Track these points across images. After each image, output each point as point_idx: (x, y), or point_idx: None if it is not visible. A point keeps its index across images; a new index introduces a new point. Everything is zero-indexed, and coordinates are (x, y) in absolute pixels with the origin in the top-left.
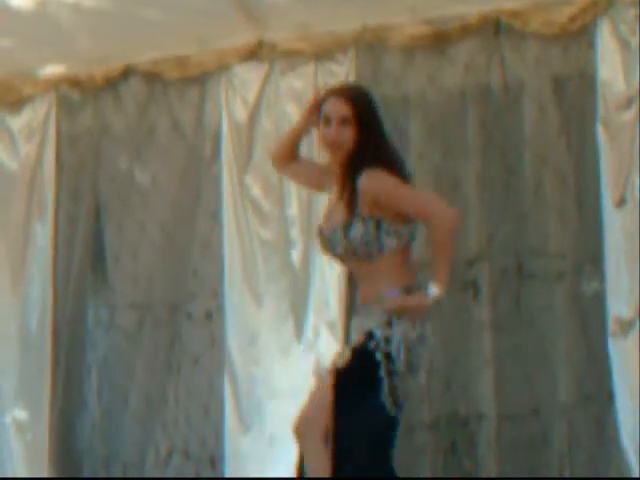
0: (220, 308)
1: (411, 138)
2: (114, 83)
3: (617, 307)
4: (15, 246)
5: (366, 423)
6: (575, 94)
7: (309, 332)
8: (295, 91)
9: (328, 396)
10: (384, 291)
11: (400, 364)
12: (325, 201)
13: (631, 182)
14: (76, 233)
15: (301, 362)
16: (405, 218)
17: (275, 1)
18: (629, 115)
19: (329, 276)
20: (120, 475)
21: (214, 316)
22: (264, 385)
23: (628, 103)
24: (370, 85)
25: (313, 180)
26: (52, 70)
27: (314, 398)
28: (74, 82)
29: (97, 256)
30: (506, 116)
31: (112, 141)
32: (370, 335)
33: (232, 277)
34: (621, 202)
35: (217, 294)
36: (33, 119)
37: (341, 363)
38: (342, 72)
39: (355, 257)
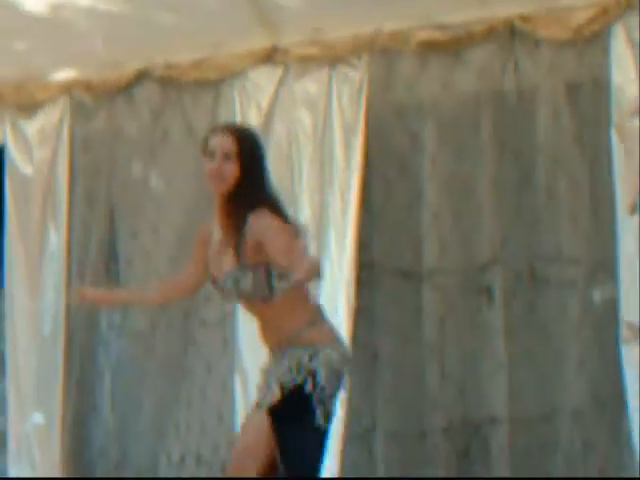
0: (233, 312)
1: (425, 143)
2: (128, 87)
3: (630, 313)
4: (30, 250)
5: (312, 454)
6: (589, 99)
7: None
8: (309, 96)
9: (265, 435)
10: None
11: (327, 389)
12: (336, 205)
13: None
14: (90, 237)
15: None
16: None
17: (289, 6)
18: None
19: (338, 281)
20: None
21: (227, 320)
22: None
23: None
24: (384, 90)
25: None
26: (66, 74)
27: (248, 438)
28: (88, 86)
29: (111, 260)
30: (520, 121)
31: (126, 145)
32: (299, 369)
33: None
34: (635, 208)
35: None
36: (47, 123)
37: (273, 402)
38: (356, 77)
39: (253, 302)
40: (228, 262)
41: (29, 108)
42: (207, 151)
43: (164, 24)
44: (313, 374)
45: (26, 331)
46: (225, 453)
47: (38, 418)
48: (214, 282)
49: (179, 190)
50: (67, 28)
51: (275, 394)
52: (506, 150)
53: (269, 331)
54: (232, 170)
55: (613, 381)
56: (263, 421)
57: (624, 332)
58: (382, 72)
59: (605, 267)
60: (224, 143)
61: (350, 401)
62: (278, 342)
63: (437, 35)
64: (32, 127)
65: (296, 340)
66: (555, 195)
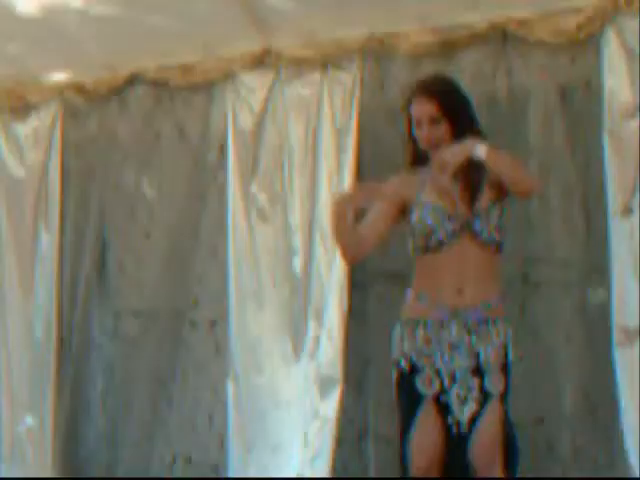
0: (225, 316)
1: None
2: (120, 90)
3: (623, 316)
4: (22, 253)
5: None
6: (581, 103)
7: (309, 340)
8: (301, 98)
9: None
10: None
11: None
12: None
13: (637, 191)
14: (82, 240)
15: (302, 370)
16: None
17: (282, 9)
18: (635, 124)
19: (330, 285)
20: None
21: (219, 324)
22: (267, 393)
23: (634, 112)
24: (376, 93)
25: (394, 219)
26: (58, 77)
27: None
28: (80, 89)
29: (102, 263)
30: (512, 125)
31: (118, 148)
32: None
33: (237, 284)
34: (627, 211)
35: (222, 302)
36: (39, 126)
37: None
38: (348, 80)
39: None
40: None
41: (21, 111)
42: (412, 117)
43: (156, 27)
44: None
45: (18, 333)
46: (216, 456)
47: (30, 420)
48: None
49: (170, 193)
50: (60, 31)
51: (501, 380)
52: None
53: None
54: (443, 132)
55: (606, 384)
56: (498, 411)
57: (617, 335)
58: (374, 75)
59: (598, 270)
60: (426, 110)
61: (342, 405)
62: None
63: (429, 38)
64: (24, 130)
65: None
66: (547, 198)
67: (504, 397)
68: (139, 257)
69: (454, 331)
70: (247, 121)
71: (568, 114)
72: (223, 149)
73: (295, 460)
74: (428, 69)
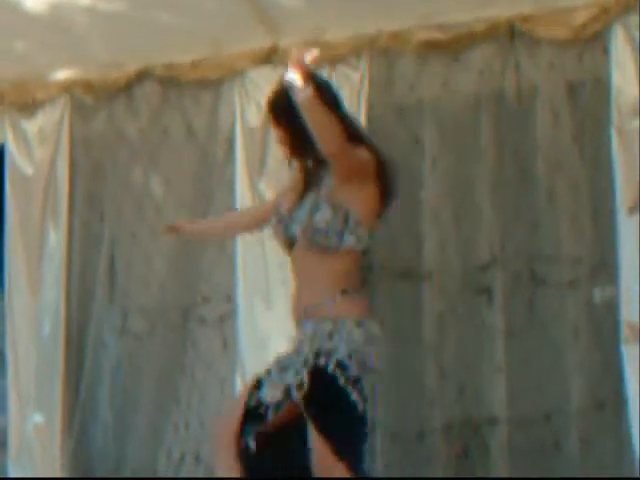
0: (233, 312)
1: (425, 143)
2: (128, 87)
3: (630, 313)
4: (30, 249)
5: (349, 432)
6: (589, 100)
7: None
8: None
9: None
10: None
11: (353, 369)
12: None
13: None
14: (90, 237)
15: None
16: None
17: (290, 6)
18: None
19: None
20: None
21: (227, 320)
22: None
23: None
24: (384, 90)
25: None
26: (66, 74)
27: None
28: (88, 86)
29: (110, 260)
30: (520, 121)
31: (126, 145)
32: (318, 353)
33: (245, 281)
34: (635, 208)
35: (230, 298)
36: (47, 123)
37: (304, 389)
38: (356, 77)
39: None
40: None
41: (29, 108)
42: None
43: (164, 24)
44: (336, 358)
45: (26, 331)
46: None
47: (38, 418)
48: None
49: (178, 189)
50: (67, 28)
51: (305, 384)
52: (506, 150)
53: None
54: (284, 141)
55: (613, 381)
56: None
57: (624, 332)
58: (382, 72)
59: (605, 267)
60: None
61: None
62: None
63: (437, 35)
64: (32, 127)
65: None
66: (555, 195)
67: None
68: (147, 254)
69: None
70: (255, 118)
71: (576, 111)
72: (231, 146)
73: None
74: (436, 66)
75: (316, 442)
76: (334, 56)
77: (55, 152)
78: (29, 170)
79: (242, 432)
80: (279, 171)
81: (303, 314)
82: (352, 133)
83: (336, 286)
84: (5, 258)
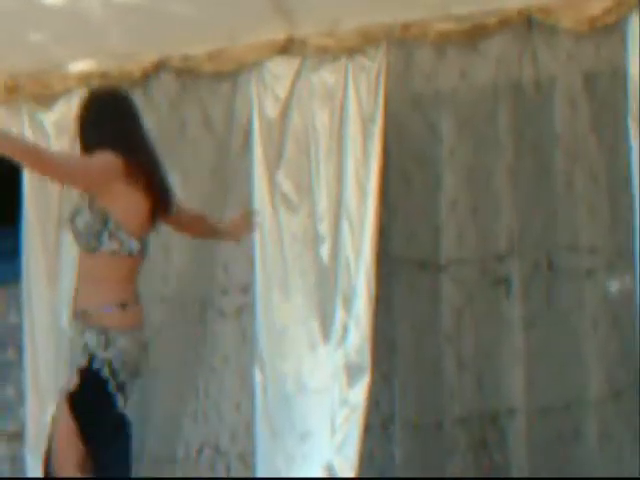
0: (251, 303)
1: (442, 134)
2: (145, 79)
3: None
4: (48, 242)
5: (115, 438)
6: (606, 90)
7: (337, 327)
8: (326, 87)
9: (71, 423)
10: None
11: (124, 374)
12: (354, 196)
13: None
14: None
15: (330, 358)
16: None
17: None
18: None
19: (357, 272)
20: (150, 470)
21: (245, 311)
22: (294, 381)
23: None
24: (401, 81)
25: None
26: (83, 65)
27: (61, 430)
28: (105, 77)
29: None
30: (537, 112)
31: None
32: (92, 356)
33: (263, 272)
34: None
35: (248, 289)
36: (65, 114)
37: (71, 388)
38: (373, 68)
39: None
40: None
41: (47, 99)
42: None
43: (181, 15)
44: (109, 363)
45: (44, 323)
46: (243, 443)
47: None
48: None
49: (195, 180)
50: (84, 19)
51: (74, 382)
52: (524, 140)
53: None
54: None
55: (631, 371)
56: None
57: None
58: (399, 63)
59: (623, 257)
60: None
61: (371, 392)
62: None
63: (454, 26)
64: (50, 118)
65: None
66: (573, 185)
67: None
68: (165, 245)
69: None
70: (272, 109)
71: (593, 101)
72: (248, 137)
73: (323, 448)
74: (453, 57)
75: (64, 429)
76: (351, 47)
77: (73, 144)
78: None
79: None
80: (296, 162)
81: (80, 316)
82: (92, 142)
83: (112, 295)
84: (23, 250)
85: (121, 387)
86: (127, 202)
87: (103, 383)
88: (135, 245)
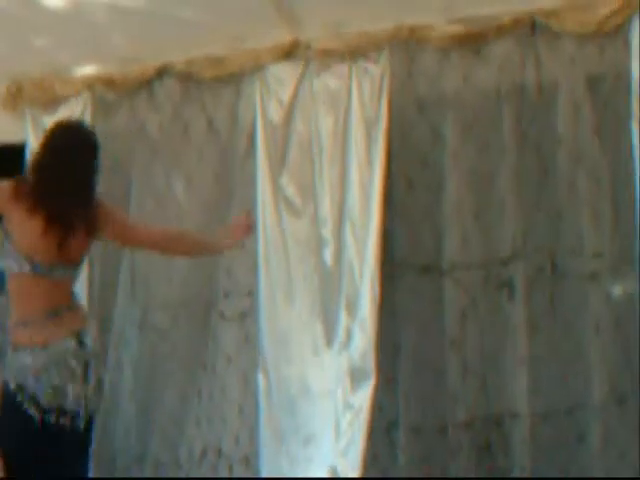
0: (254, 307)
1: (446, 137)
2: (149, 83)
3: None
4: None
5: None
6: (610, 93)
7: (341, 331)
8: (330, 91)
9: None
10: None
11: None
12: (357, 200)
13: None
14: None
15: (334, 362)
16: None
17: (310, 0)
18: None
19: (361, 276)
20: (154, 473)
21: (248, 315)
22: (297, 384)
23: None
24: (405, 84)
25: None
26: (87, 70)
27: None
28: (109, 82)
29: (132, 255)
30: (541, 115)
31: (146, 141)
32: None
33: (266, 276)
34: None
35: (251, 293)
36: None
37: None
38: (377, 72)
39: None
40: None
41: (51, 104)
42: None
43: (185, 19)
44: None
45: None
46: (246, 447)
47: None
48: None
49: (199, 185)
50: (88, 24)
51: None
52: (527, 143)
53: None
54: None
55: (635, 375)
56: None
57: None
58: (403, 66)
59: (627, 260)
60: None
61: (373, 395)
62: None
63: (458, 29)
64: None
65: None
66: (576, 188)
67: None
68: None
69: None
70: (276, 113)
71: (597, 104)
72: (252, 141)
73: (327, 451)
74: (456, 61)
75: None
76: (355, 50)
77: None
78: None
79: None
80: (300, 167)
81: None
82: None
83: (18, 312)
84: None
85: (35, 402)
86: (19, 224)
87: (12, 396)
88: (24, 265)
